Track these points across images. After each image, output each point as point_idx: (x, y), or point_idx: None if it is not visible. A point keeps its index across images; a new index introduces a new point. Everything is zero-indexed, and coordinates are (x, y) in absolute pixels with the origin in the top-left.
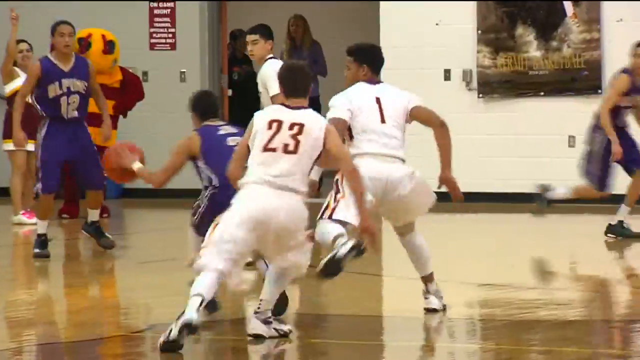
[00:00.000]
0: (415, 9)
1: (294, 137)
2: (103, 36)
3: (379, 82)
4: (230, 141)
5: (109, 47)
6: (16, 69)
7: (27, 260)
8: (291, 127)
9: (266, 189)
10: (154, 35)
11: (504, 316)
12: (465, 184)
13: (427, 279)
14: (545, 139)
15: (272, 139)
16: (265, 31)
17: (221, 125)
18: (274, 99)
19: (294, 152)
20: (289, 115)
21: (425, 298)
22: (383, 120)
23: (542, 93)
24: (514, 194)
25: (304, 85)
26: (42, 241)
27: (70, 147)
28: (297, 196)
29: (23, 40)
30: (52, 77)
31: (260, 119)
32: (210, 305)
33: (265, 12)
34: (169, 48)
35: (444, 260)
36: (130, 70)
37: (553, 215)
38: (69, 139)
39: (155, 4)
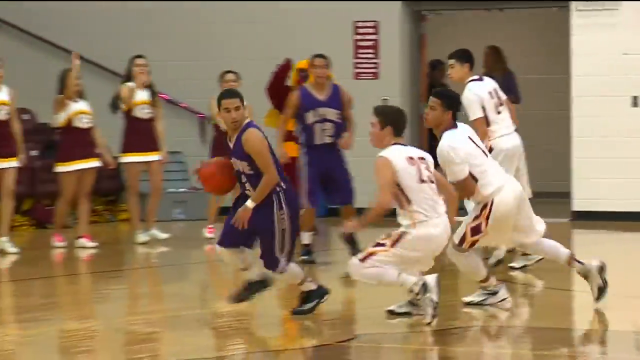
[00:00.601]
0: (604, 39)
1: (427, 168)
2: None
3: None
4: None
5: None
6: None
7: (231, 274)
8: (420, 159)
9: (439, 221)
10: (358, 65)
11: None
12: None
13: (572, 258)
14: None
15: (419, 172)
16: (461, 55)
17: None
18: (473, 123)
19: (433, 181)
20: (411, 151)
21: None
22: (485, 154)
23: None
24: None
25: (405, 126)
26: (308, 250)
27: (324, 166)
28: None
29: (230, 71)
30: (308, 105)
31: (397, 158)
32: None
33: (464, 43)
34: (372, 77)
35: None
36: None
37: None
38: (323, 161)
39: (359, 37)
